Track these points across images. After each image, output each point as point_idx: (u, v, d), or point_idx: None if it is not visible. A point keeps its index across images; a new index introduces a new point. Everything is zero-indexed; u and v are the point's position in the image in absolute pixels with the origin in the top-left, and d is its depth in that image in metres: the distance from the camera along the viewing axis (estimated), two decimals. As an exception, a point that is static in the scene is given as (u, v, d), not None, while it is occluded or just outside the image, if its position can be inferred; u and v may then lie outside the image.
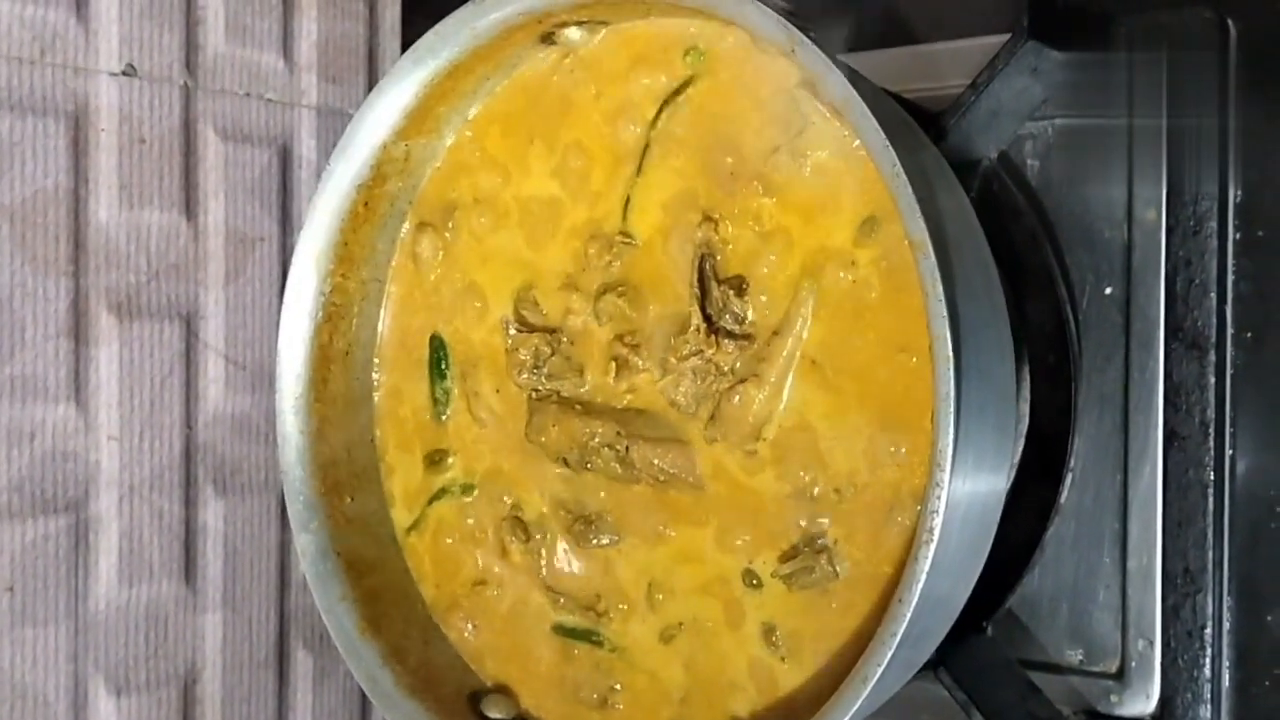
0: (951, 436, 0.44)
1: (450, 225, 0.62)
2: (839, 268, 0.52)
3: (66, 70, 0.70)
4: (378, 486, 0.64)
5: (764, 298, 0.53)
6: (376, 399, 0.64)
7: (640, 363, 0.56)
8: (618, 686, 0.58)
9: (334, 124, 0.83)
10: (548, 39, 0.58)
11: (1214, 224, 0.55)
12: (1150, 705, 0.57)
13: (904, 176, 0.45)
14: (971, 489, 0.46)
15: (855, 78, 0.46)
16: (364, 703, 0.86)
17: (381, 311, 0.64)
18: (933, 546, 0.44)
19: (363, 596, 0.61)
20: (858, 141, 0.51)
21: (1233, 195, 0.56)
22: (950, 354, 0.44)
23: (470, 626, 0.62)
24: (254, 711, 0.79)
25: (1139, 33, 0.56)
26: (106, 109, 0.72)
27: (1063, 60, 0.55)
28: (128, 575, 0.73)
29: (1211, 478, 0.55)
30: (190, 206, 0.76)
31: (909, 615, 0.45)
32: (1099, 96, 0.57)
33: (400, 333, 0.64)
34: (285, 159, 0.81)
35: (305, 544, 0.60)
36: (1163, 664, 0.56)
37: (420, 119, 0.60)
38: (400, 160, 0.61)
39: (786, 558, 0.53)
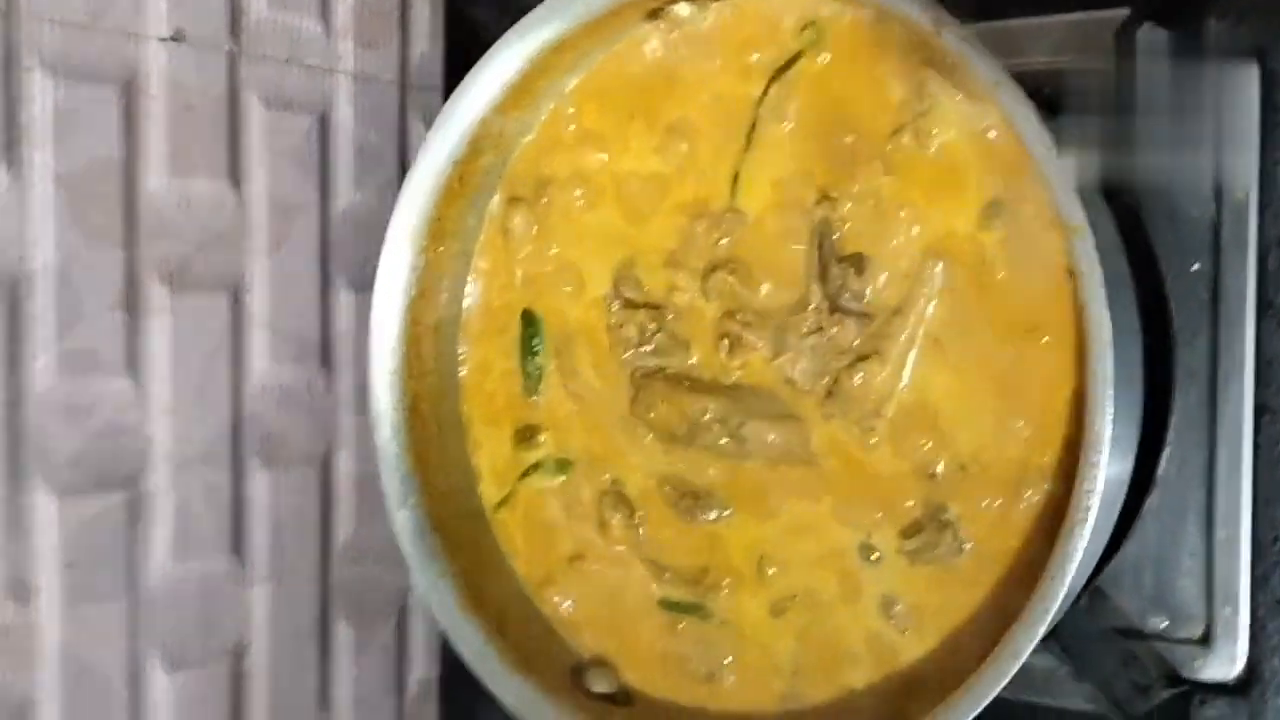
0: (1109, 418, 0.45)
1: (544, 200, 0.61)
2: (964, 248, 0.52)
3: (118, 36, 0.68)
4: (466, 462, 0.63)
5: (884, 276, 0.54)
6: (463, 374, 0.63)
7: (754, 339, 0.56)
8: (727, 659, 0.58)
9: (370, 90, 0.82)
10: (655, 14, 0.57)
11: (1308, 204, 0.56)
12: (1236, 669, 0.58)
13: (1057, 159, 0.45)
14: (1112, 469, 0.47)
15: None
16: (400, 673, 0.86)
17: (469, 286, 0.63)
18: (1088, 526, 0.45)
19: (460, 573, 0.60)
20: (986, 123, 0.51)
21: (1323, 176, 0.57)
22: (1108, 338, 0.45)
23: (567, 601, 0.62)
24: (299, 683, 0.79)
25: (1234, 14, 0.57)
26: (156, 75, 0.70)
27: (1166, 38, 0.55)
28: (181, 550, 0.72)
29: (1302, 450, 0.57)
30: (236, 175, 0.75)
31: (1062, 593, 0.46)
32: (1192, 73, 0.58)
33: (487, 307, 0.63)
34: (324, 126, 0.80)
35: (403, 521, 0.60)
36: (1251, 629, 0.58)
37: (520, 93, 0.59)
38: (496, 135, 0.60)
39: (908, 533, 0.54)
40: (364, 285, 0.79)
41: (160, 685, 0.71)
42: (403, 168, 0.84)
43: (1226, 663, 0.58)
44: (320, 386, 0.80)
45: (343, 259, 0.80)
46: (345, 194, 0.81)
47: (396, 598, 0.85)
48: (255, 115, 0.76)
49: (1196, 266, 0.59)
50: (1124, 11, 0.57)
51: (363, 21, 0.82)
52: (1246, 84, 0.57)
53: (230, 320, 0.75)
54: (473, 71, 0.58)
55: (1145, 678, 0.56)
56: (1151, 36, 0.54)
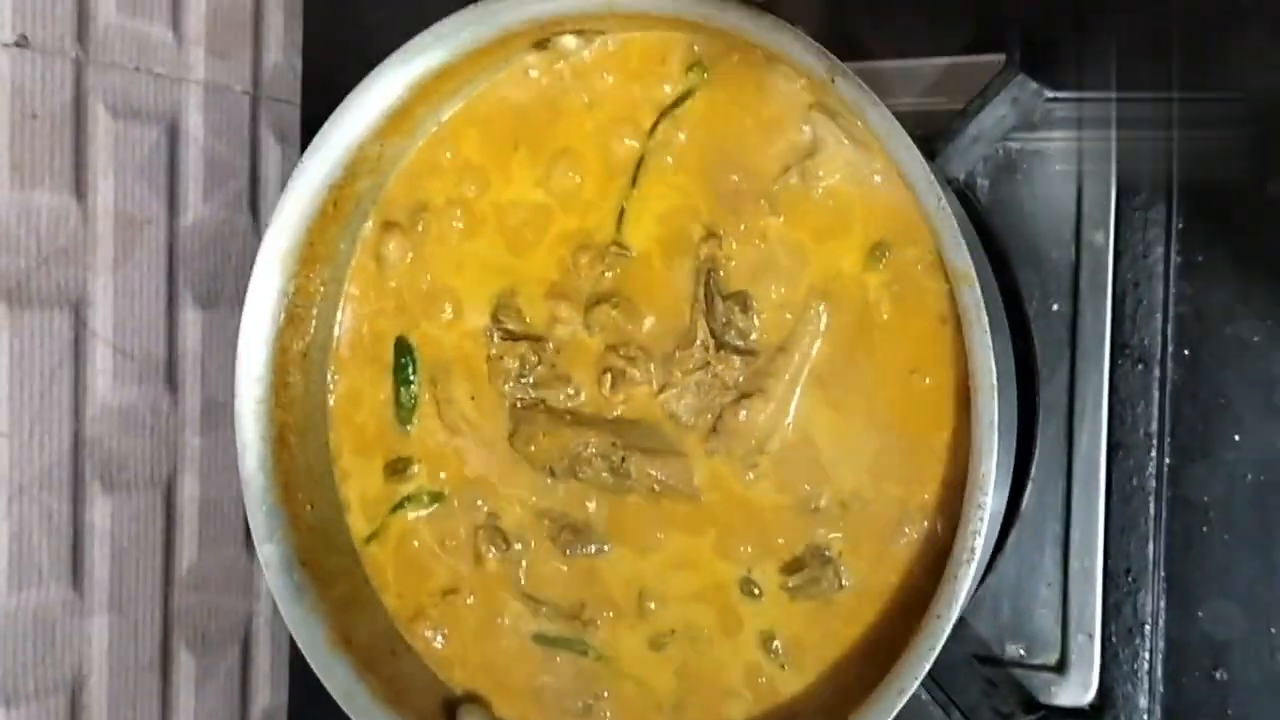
0: (995, 461, 0.46)
1: (419, 227, 0.60)
2: (848, 289, 0.53)
3: (-42, 40, 0.65)
4: (334, 493, 0.62)
5: (769, 315, 0.54)
6: (331, 403, 0.62)
7: (638, 374, 0.56)
8: (604, 694, 0.58)
9: (221, 101, 0.80)
10: (541, 44, 0.57)
11: (1161, 249, 0.59)
12: (1089, 695, 0.61)
13: (949, 209, 0.46)
14: (993, 506, 0.49)
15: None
16: (243, 703, 0.84)
17: (339, 312, 0.62)
18: (974, 565, 0.47)
19: (330, 609, 0.59)
20: (872, 168, 0.52)
21: (1175, 224, 0.59)
22: (993, 384, 0.46)
23: (438, 636, 0.61)
24: (139, 716, 0.76)
25: (1102, 68, 0.59)
26: (-1, 82, 0.67)
27: (1036, 90, 0.57)
28: (17, 580, 0.69)
29: (1153, 485, 0.60)
30: (80, 187, 0.72)
31: (948, 630, 0.47)
32: (1055, 122, 0.60)
33: (358, 335, 0.62)
34: (173, 137, 0.77)
35: (270, 555, 0.58)
36: (1103, 657, 0.60)
37: (400, 118, 0.58)
38: (373, 159, 0.59)
39: (790, 569, 0.55)
40: (211, 302, 0.77)
41: (-8, 722, 0.67)
42: (254, 180, 0.82)
43: (1080, 689, 0.60)
44: (164, 407, 0.77)
45: (190, 275, 0.78)
46: (194, 207, 0.79)
47: (240, 625, 0.83)
48: (102, 125, 0.73)
49: (1056, 307, 0.61)
50: (996, 57, 0.59)
51: (214, 30, 0.80)
52: (1103, 128, 0.59)
53: (72, 339, 0.72)
54: (352, 95, 0.57)
55: (1006, 705, 0.58)
56: (1022, 85, 0.56)
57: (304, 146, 0.77)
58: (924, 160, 0.47)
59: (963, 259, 0.46)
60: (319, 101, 0.77)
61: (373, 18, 0.76)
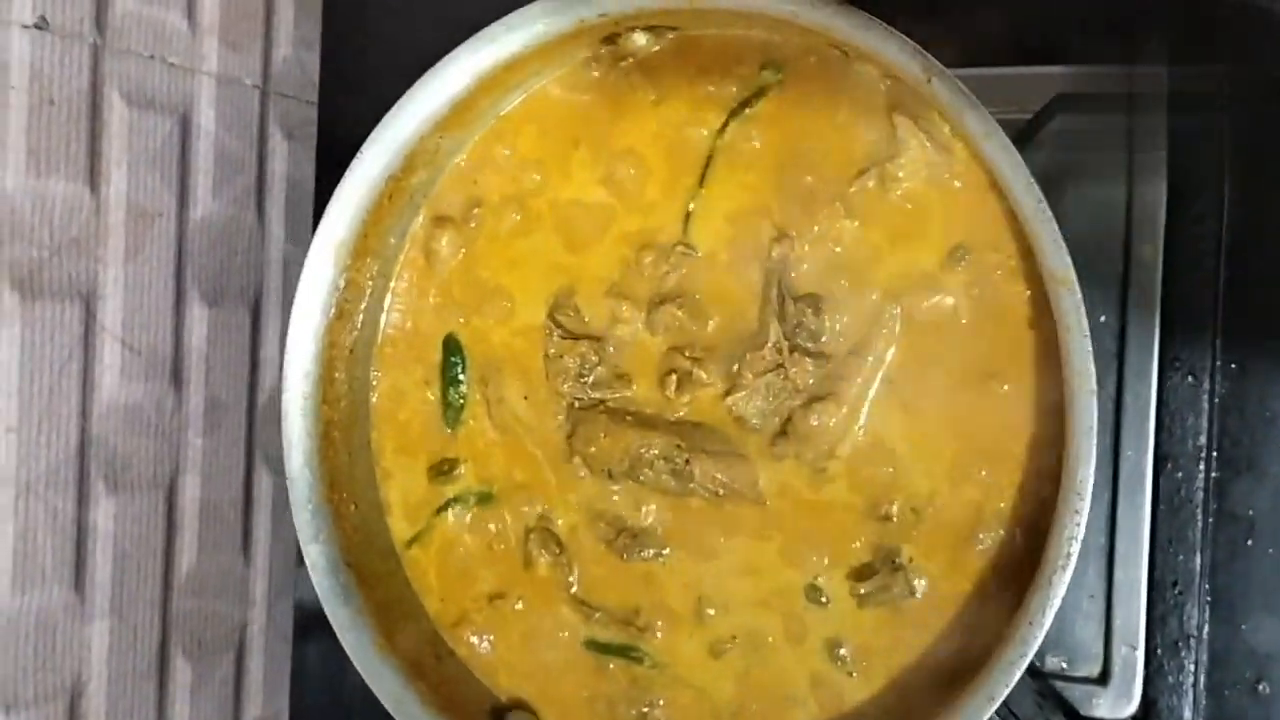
0: (1092, 466, 0.46)
1: (472, 223, 0.59)
2: (925, 292, 0.53)
3: (-22, 18, 0.62)
4: (375, 493, 0.60)
5: (844, 318, 0.53)
6: (373, 400, 0.60)
7: (704, 376, 0.55)
8: (660, 702, 0.57)
9: (231, 94, 0.78)
10: (611, 39, 0.56)
11: (1210, 262, 0.59)
12: (1132, 707, 0.61)
13: (1049, 212, 0.46)
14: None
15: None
16: (237, 713, 0.82)
17: (385, 308, 0.60)
18: (1068, 572, 0.46)
19: (375, 611, 0.57)
20: (952, 173, 0.52)
21: (1224, 239, 0.60)
22: (1093, 389, 0.46)
23: (484, 641, 0.59)
24: (135, 724, 0.73)
25: (1146, 90, 0.60)
26: (18, 65, 0.65)
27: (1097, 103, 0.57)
28: (20, 582, 0.66)
29: (1200, 498, 0.60)
30: (94, 177, 0.69)
31: (1040, 637, 0.46)
32: (1105, 139, 0.61)
33: (403, 331, 0.60)
34: (185, 129, 0.75)
35: (315, 556, 0.56)
36: (1147, 669, 0.60)
37: (463, 111, 0.56)
38: (430, 152, 0.58)
39: (859, 575, 0.54)
40: (218, 299, 0.75)
41: (-9, 728, 0.65)
42: (260, 177, 0.80)
43: (1123, 701, 0.60)
44: (169, 406, 0.75)
45: (198, 270, 0.76)
46: (203, 202, 0.76)
47: (235, 633, 0.81)
48: (117, 113, 0.71)
49: (1104, 319, 0.61)
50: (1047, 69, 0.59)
51: (228, 20, 0.78)
52: (1155, 140, 0.60)
53: (81, 333, 0.69)
54: (418, 83, 0.55)
55: (1057, 715, 0.58)
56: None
57: (320, 145, 0.76)
58: (1023, 162, 0.46)
59: (1063, 262, 0.46)
60: (335, 100, 0.75)
61: (394, 21, 0.74)
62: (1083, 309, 0.46)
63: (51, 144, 0.67)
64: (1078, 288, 0.46)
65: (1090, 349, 0.46)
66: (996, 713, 0.57)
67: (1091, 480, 0.46)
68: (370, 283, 0.59)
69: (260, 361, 0.80)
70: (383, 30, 0.74)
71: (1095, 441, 0.46)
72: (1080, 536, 0.46)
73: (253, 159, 0.80)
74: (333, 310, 0.58)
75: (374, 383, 0.61)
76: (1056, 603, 0.47)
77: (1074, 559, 0.47)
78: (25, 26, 0.65)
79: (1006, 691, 0.47)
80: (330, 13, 0.77)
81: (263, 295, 0.81)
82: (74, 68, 0.68)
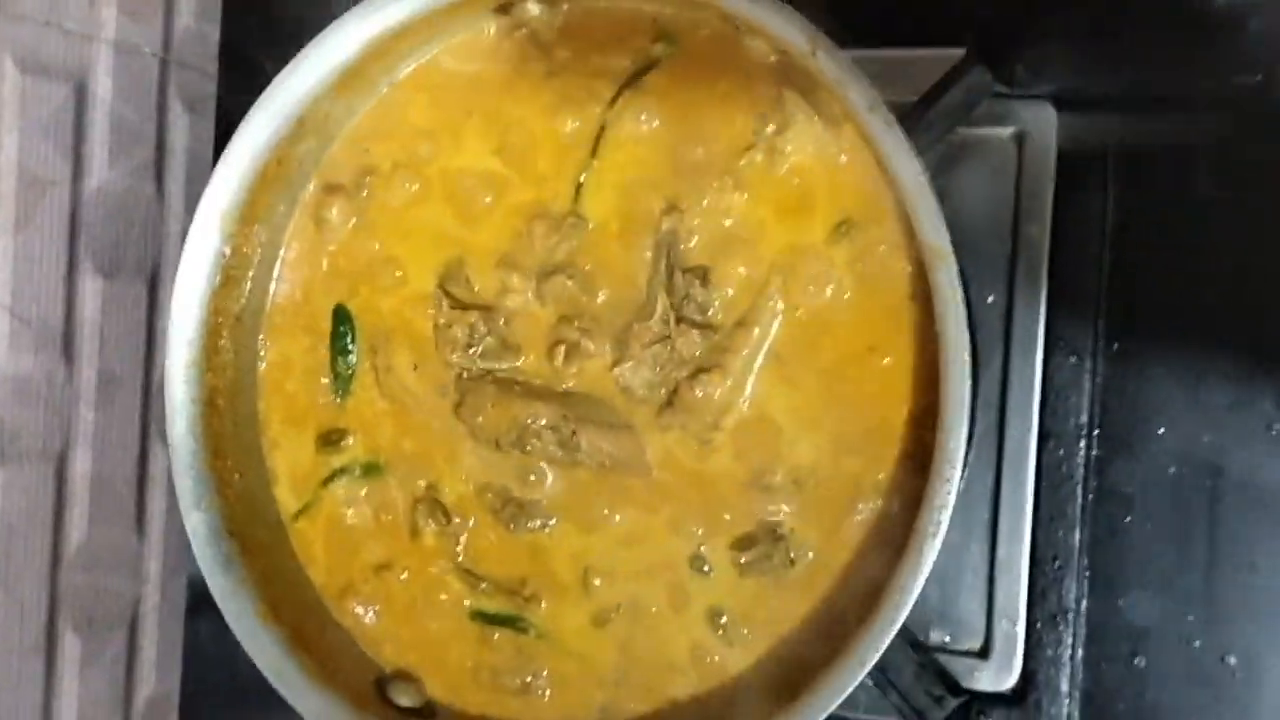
0: (964, 437, 0.47)
1: (364, 191, 0.59)
2: (810, 266, 0.53)
3: None
4: (262, 463, 0.59)
5: (731, 291, 0.54)
6: (261, 369, 0.60)
7: (591, 346, 0.55)
8: (544, 671, 0.57)
9: (130, 63, 0.77)
10: (504, 9, 0.56)
11: (1095, 246, 0.61)
12: (1012, 679, 0.62)
13: (928, 186, 0.47)
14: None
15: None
16: (128, 690, 0.81)
17: (273, 277, 0.60)
18: (938, 539, 0.47)
19: (258, 580, 0.57)
20: (839, 147, 0.52)
21: (1109, 221, 0.61)
22: (967, 360, 0.46)
23: (369, 612, 0.59)
24: (21, 700, 0.73)
25: (1042, 66, 0.61)
26: (-97, 27, 0.63)
27: (989, 82, 0.58)
28: (-99, 559, 0.64)
29: (1080, 475, 0.61)
30: (-17, 144, 0.68)
31: (910, 603, 0.47)
32: (997, 117, 0.62)
33: (293, 301, 0.60)
34: (81, 97, 0.74)
35: (197, 524, 0.56)
36: (1027, 643, 0.61)
37: (352, 77, 0.56)
38: (320, 119, 0.57)
39: (741, 545, 0.54)
40: (113, 271, 0.74)
41: None
42: (160, 148, 0.80)
43: (1003, 674, 0.62)
44: (60, 378, 0.74)
45: (92, 241, 0.75)
46: (99, 172, 0.76)
47: (128, 609, 0.80)
48: (9, 79, 0.70)
49: (992, 299, 0.62)
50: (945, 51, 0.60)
51: (127, -15, 0.77)
52: (1045, 125, 0.61)
53: (-31, 304, 0.68)
54: (307, 49, 0.55)
55: (937, 688, 0.59)
56: (979, 76, 0.57)
57: (219, 116, 0.75)
58: (905, 136, 0.47)
59: (940, 235, 0.47)
60: (238, 70, 0.75)
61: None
62: (958, 282, 0.47)
63: (-63, 109, 0.65)
64: (954, 260, 0.47)
65: (965, 320, 0.47)
66: (877, 685, 0.58)
67: (963, 450, 0.47)
68: (258, 250, 0.59)
69: (157, 335, 0.79)
70: (282, 4, 0.73)
71: (967, 413, 0.47)
72: (950, 506, 0.47)
73: (152, 130, 0.79)
74: (218, 278, 0.58)
75: (262, 351, 0.60)
76: (926, 570, 0.47)
77: (944, 527, 0.47)
78: (-90, -11, 0.63)
79: (876, 656, 0.48)
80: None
81: (160, 268, 0.80)
82: (-37, 32, 0.67)
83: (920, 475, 0.51)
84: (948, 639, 0.63)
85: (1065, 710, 0.61)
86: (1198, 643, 0.60)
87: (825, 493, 0.54)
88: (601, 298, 0.56)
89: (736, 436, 0.55)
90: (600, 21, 0.56)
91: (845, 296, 0.53)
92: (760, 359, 0.54)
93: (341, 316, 0.59)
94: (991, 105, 0.61)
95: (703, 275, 0.55)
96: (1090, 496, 0.61)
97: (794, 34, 0.49)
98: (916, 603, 0.61)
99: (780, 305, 0.54)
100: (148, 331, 0.79)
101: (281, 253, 0.60)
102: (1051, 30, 0.60)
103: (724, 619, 0.55)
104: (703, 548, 0.55)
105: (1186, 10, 0.59)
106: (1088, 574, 0.61)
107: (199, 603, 0.76)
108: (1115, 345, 0.61)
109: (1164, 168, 0.61)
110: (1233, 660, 0.59)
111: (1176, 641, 0.60)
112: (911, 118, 0.56)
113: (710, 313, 0.55)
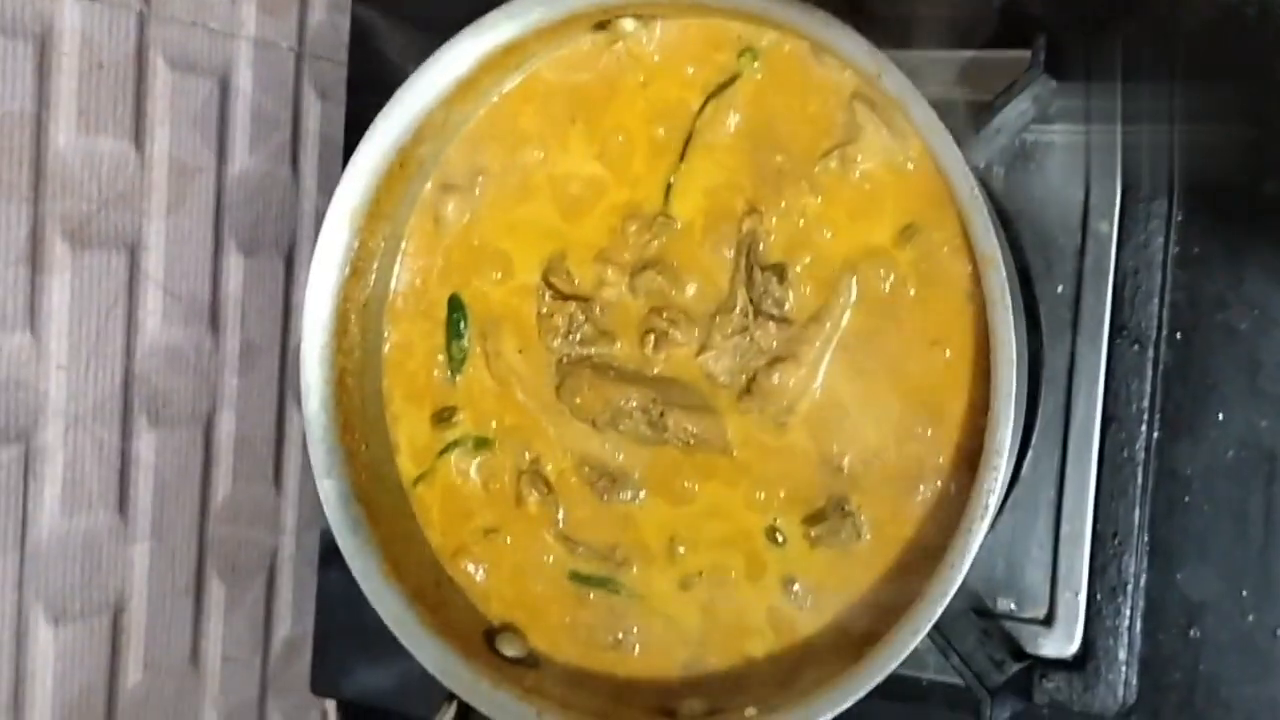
0: (1009, 428, 0.52)
1: (476, 191, 0.65)
2: (879, 266, 0.58)
3: (34, -11, 0.69)
4: (386, 435, 0.67)
5: (806, 288, 0.59)
6: (384, 351, 0.67)
7: (679, 336, 0.61)
8: (634, 629, 0.63)
9: (268, 57, 0.84)
10: (602, 25, 0.62)
11: (1160, 240, 0.65)
12: (1073, 647, 0.66)
13: (981, 198, 0.52)
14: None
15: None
16: (267, 631, 0.89)
17: (396, 268, 0.67)
18: (987, 520, 0.52)
19: (382, 541, 0.64)
20: (906, 155, 0.57)
21: (1174, 217, 0.65)
22: (1012, 358, 0.51)
23: (479, 571, 0.66)
24: (174, 638, 0.81)
25: (1106, 66, 0.64)
26: (69, 32, 0.71)
27: (1055, 88, 0.62)
28: (69, 505, 0.73)
29: (1141, 457, 0.65)
30: (139, 135, 0.76)
31: (960, 578, 0.53)
32: (1066, 118, 0.66)
33: (413, 289, 0.67)
34: (224, 91, 0.81)
35: (329, 490, 0.63)
36: (1087, 613, 0.66)
37: (466, 89, 0.62)
38: (438, 125, 0.64)
39: (812, 520, 0.60)
40: (253, 249, 0.82)
41: (44, 637, 0.72)
42: (295, 134, 0.86)
43: (1065, 641, 0.66)
44: (207, 348, 0.81)
45: (235, 222, 0.82)
46: (240, 158, 0.83)
47: (267, 558, 0.88)
48: (160, 76, 0.77)
49: (1061, 289, 0.66)
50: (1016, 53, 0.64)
51: (265, -14, 0.83)
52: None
53: (126, 280, 0.76)
54: (425, 64, 0.61)
55: (999, 652, 0.64)
56: (1044, 83, 0.61)
57: (348, 104, 0.82)
58: (960, 153, 0.52)
59: (990, 244, 0.52)
60: (364, 61, 0.81)
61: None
62: (1007, 286, 0.52)
63: (100, 105, 0.73)
64: (1003, 267, 0.52)
65: (1013, 322, 0.52)
66: (940, 650, 0.63)
67: (1009, 440, 0.52)
68: (382, 244, 0.66)
69: (293, 307, 0.86)
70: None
71: (1013, 408, 0.52)
72: (998, 491, 0.52)
73: (287, 118, 0.86)
74: (347, 269, 0.65)
75: (386, 335, 0.67)
76: (975, 548, 0.53)
77: (992, 510, 0.52)
78: (76, -2, 0.71)
79: (929, 625, 0.53)
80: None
81: (296, 246, 0.87)
82: (121, 34, 0.74)
83: (975, 461, 0.56)
84: (1013, 606, 0.67)
85: (1123, 676, 0.65)
86: (1251, 617, 0.63)
87: (889, 474, 0.59)
88: (688, 291, 0.62)
89: (809, 420, 0.60)
90: (690, 37, 0.61)
91: (910, 294, 0.58)
92: (831, 350, 0.60)
93: (455, 305, 0.66)
94: (1063, 106, 0.65)
95: (780, 272, 0.60)
96: (1151, 477, 0.65)
97: (861, 56, 0.53)
98: (983, 571, 0.67)
99: (851, 301, 0.59)
100: (284, 304, 0.86)
101: (403, 245, 0.67)
102: (1113, 34, 0.64)
103: (796, 586, 0.61)
104: (778, 520, 0.61)
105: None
106: (1147, 550, 0.65)
107: (330, 554, 0.83)
108: (1177, 335, 0.65)
109: (1229, 163, 0.64)
110: (1284, 634, 0.63)
111: (1230, 615, 0.63)
112: (977, 123, 0.61)
113: (786, 307, 0.60)
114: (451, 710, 0.61)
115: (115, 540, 0.76)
